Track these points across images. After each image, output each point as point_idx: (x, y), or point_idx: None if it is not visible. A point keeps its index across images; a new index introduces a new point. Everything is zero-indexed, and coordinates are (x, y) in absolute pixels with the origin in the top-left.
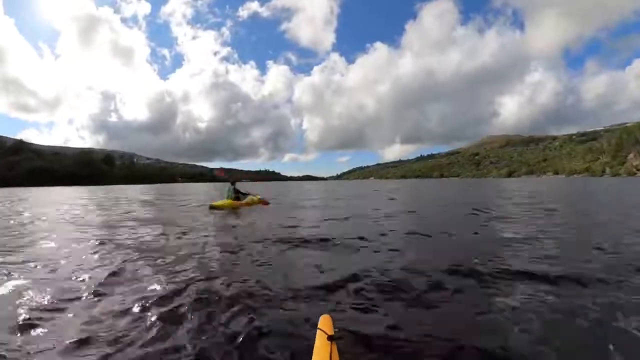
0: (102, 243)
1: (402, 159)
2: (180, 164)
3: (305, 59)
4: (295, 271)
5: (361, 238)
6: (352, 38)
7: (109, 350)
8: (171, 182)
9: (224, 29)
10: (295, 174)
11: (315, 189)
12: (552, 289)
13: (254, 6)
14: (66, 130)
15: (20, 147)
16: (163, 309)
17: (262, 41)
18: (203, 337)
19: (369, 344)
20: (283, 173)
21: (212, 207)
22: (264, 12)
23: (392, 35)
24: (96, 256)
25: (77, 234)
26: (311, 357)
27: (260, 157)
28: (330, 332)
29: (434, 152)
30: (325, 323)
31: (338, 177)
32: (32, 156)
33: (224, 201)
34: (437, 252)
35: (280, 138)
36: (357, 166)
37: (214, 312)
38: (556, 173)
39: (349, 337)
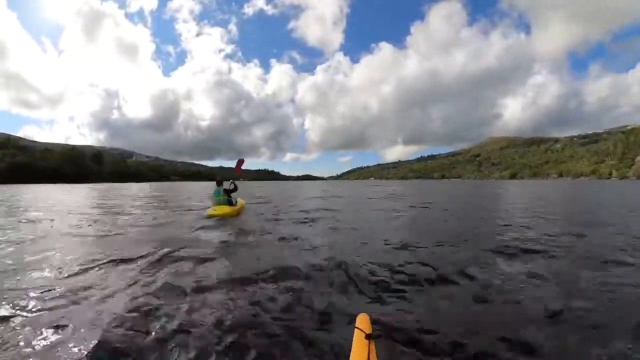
0: None
1: (401, 159)
2: (180, 162)
3: (310, 58)
4: (330, 272)
5: (388, 240)
6: (357, 38)
7: None
8: (166, 181)
9: (229, 27)
10: (295, 174)
11: (314, 189)
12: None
13: (260, 3)
14: (67, 127)
15: (5, 143)
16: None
17: (266, 39)
18: (242, 335)
19: (408, 343)
20: (282, 172)
21: (210, 216)
22: (270, 9)
23: (398, 36)
24: None
25: None
26: (349, 356)
27: (261, 157)
28: (369, 330)
29: (434, 153)
30: (363, 322)
31: (338, 177)
32: (14, 152)
33: (221, 208)
34: (477, 254)
35: (282, 137)
36: (359, 166)
37: (250, 310)
38: (560, 175)
39: (388, 336)
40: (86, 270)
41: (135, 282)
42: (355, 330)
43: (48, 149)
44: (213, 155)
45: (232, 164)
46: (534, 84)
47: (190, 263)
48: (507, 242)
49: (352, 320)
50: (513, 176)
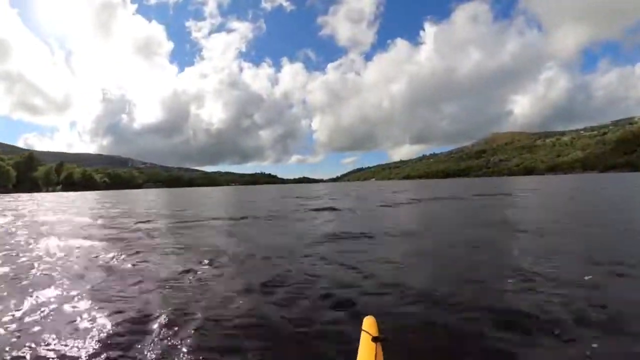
0: None
1: (403, 159)
2: (176, 168)
3: (329, 57)
4: (339, 273)
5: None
6: (374, 35)
7: None
8: (135, 188)
9: (245, 24)
10: (294, 176)
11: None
12: None
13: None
14: (70, 134)
15: None
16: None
17: (284, 38)
18: (249, 338)
19: (415, 346)
20: (280, 175)
21: None
22: (289, 6)
23: (414, 33)
24: None
25: None
26: (355, 359)
27: (267, 160)
28: (375, 333)
29: (436, 152)
30: (369, 324)
31: (338, 179)
32: None
33: None
34: (492, 263)
35: (289, 139)
36: (360, 167)
37: (258, 313)
38: (585, 169)
39: (394, 339)
40: None
41: None
42: (362, 332)
43: None
44: (220, 160)
45: (234, 168)
46: (543, 80)
47: None
48: None
49: (359, 322)
50: (529, 172)
